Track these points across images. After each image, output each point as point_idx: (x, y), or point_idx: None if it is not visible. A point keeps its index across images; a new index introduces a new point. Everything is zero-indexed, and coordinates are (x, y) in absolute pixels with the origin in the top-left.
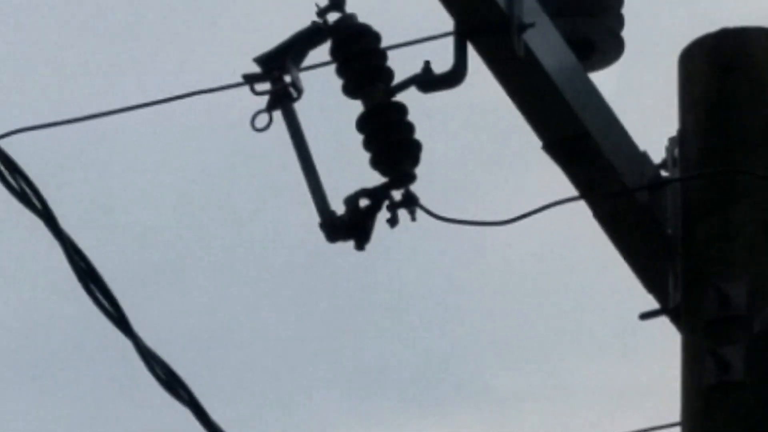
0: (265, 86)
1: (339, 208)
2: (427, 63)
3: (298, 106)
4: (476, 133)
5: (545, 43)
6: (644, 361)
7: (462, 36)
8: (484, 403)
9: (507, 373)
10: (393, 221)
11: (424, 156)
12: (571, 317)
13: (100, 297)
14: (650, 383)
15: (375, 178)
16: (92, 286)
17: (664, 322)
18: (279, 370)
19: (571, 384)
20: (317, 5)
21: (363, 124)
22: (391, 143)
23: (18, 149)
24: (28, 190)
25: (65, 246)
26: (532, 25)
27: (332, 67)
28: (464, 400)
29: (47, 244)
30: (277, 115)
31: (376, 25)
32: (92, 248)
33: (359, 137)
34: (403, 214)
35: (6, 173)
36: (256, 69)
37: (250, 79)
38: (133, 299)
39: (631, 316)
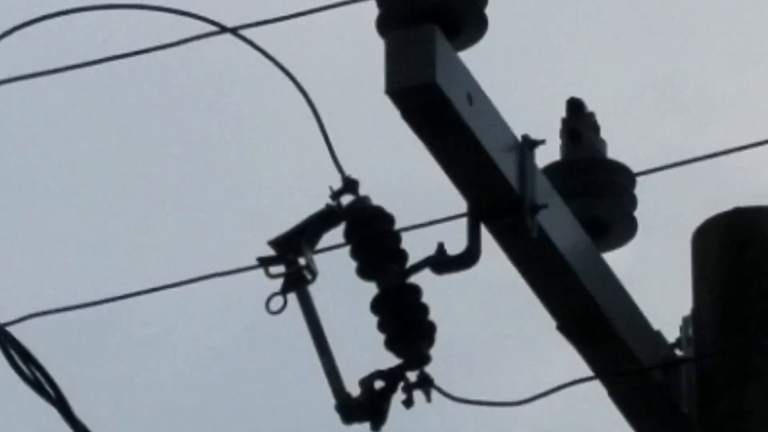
0: (280, 269)
1: (354, 389)
2: (440, 245)
3: (313, 289)
4: (491, 312)
5: (558, 223)
6: None
7: (475, 217)
8: None
9: None
10: (408, 402)
11: (439, 335)
12: None
13: None
14: None
15: (390, 360)
16: None
17: None
18: None
19: None
20: (331, 188)
21: (377, 306)
22: (406, 325)
23: (31, 334)
24: (41, 378)
25: None
26: (545, 206)
27: (346, 249)
28: None
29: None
30: (292, 297)
31: (390, 206)
32: None
33: (374, 319)
34: (418, 395)
35: (19, 361)
36: (270, 252)
37: (264, 262)
38: None
39: None
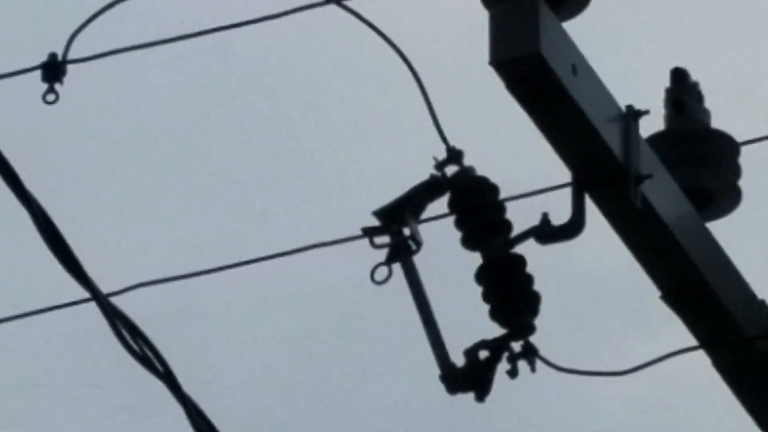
0: (385, 239)
1: (459, 359)
2: (545, 215)
3: (417, 259)
4: (595, 283)
5: (663, 193)
6: None
7: (580, 187)
8: None
9: None
10: (513, 373)
11: (544, 306)
12: None
13: None
14: None
15: (495, 330)
16: None
17: None
18: None
19: None
20: (435, 158)
21: (482, 276)
22: (510, 295)
23: (136, 305)
24: (149, 353)
25: (188, 409)
26: (649, 176)
27: (451, 219)
28: None
29: (170, 404)
30: (397, 267)
31: (494, 177)
32: (213, 409)
33: (479, 289)
34: (522, 365)
35: (128, 336)
36: (375, 222)
37: (369, 233)
38: None
39: None
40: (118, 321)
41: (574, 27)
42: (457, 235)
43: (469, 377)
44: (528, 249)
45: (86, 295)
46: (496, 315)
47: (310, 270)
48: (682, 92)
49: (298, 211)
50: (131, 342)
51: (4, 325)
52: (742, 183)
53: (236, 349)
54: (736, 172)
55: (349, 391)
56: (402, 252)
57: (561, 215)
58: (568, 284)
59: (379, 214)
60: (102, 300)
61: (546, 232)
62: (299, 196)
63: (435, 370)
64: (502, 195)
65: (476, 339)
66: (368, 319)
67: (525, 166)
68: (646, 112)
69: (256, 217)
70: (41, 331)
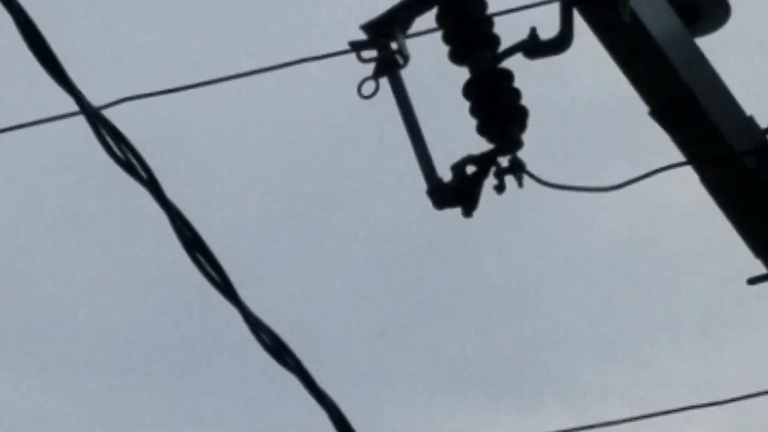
0: (372, 53)
1: (446, 174)
2: (533, 29)
3: (405, 73)
4: (583, 97)
5: (651, 8)
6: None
7: (568, 2)
8: (571, 398)
9: (595, 366)
10: (500, 188)
11: (531, 121)
12: (670, 301)
13: (207, 266)
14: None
15: (482, 145)
16: (199, 256)
17: None
18: (364, 365)
19: (663, 377)
20: None
21: (470, 90)
22: (498, 110)
23: (125, 117)
24: (133, 160)
25: (172, 216)
26: None
27: (439, 34)
28: (551, 395)
29: (154, 213)
30: (384, 82)
31: None
32: (198, 218)
33: (466, 104)
34: (510, 180)
35: (112, 143)
36: (362, 36)
37: (356, 47)
38: (238, 270)
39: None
40: (102, 129)
41: None
42: (445, 49)
43: (456, 192)
44: (517, 74)
45: (74, 108)
46: (483, 130)
47: (299, 87)
48: None
49: (285, 25)
50: (115, 149)
51: None
52: None
53: (224, 165)
54: None
55: (335, 206)
56: (389, 66)
57: (550, 30)
58: (556, 110)
59: (367, 27)
60: (87, 108)
61: (534, 47)
62: (286, 10)
63: (422, 185)
64: (490, 9)
65: (463, 154)
66: (355, 134)
67: None
68: None
69: (244, 33)
70: (28, 148)
